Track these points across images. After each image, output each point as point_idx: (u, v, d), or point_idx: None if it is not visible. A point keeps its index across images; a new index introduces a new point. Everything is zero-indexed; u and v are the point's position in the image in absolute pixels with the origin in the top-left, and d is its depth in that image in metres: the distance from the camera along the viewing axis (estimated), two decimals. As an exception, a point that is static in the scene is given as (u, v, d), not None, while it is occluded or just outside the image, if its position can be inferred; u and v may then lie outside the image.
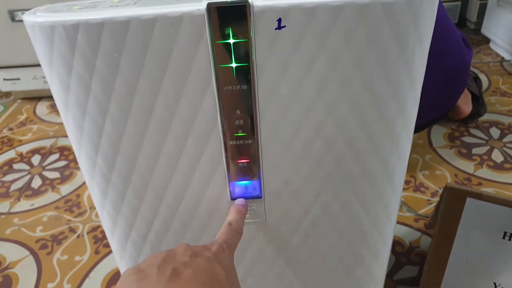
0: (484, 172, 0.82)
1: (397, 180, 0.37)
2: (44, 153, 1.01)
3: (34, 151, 1.02)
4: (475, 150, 0.88)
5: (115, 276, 0.69)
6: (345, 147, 0.33)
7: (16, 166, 0.97)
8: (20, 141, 1.06)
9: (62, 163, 0.97)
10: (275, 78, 0.30)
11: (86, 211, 0.83)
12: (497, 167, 0.83)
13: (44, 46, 0.29)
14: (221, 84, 0.30)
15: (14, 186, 0.91)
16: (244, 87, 0.30)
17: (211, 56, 0.28)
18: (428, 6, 0.28)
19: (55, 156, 1.00)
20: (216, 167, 0.34)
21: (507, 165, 0.83)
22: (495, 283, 0.49)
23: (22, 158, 1.00)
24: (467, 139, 0.92)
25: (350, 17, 0.27)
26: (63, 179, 0.92)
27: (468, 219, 0.49)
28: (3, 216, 0.83)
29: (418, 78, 0.32)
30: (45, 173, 0.94)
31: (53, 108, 1.21)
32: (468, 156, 0.86)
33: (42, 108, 1.21)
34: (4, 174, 0.94)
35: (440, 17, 0.61)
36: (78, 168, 0.95)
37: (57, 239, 0.77)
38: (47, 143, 1.05)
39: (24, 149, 1.03)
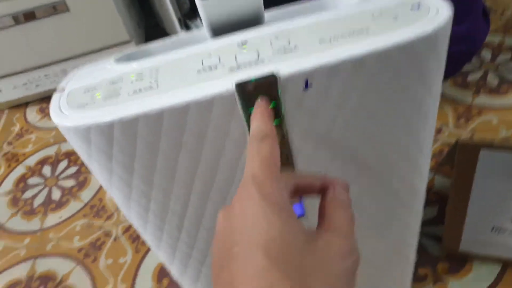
0: (482, 99, 0.85)
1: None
2: (52, 162, 1.02)
3: (41, 162, 1.03)
4: (470, 77, 0.90)
5: (163, 268, 0.74)
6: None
7: (30, 181, 0.99)
8: (23, 154, 1.06)
9: (73, 169, 0.99)
10: (305, 127, 0.31)
11: (113, 213, 0.87)
12: (494, 91, 0.86)
13: (81, 143, 0.30)
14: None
15: (36, 202, 0.93)
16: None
17: (245, 122, 0.29)
18: (444, 34, 0.28)
19: (64, 163, 1.01)
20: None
21: (503, 88, 0.86)
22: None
23: (32, 171, 1.01)
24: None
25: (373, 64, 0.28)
26: (80, 186, 0.94)
27: (483, 168, 0.53)
28: (38, 234, 0.86)
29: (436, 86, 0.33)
30: (61, 183, 0.96)
31: (43, 112, 1.19)
32: (464, 85, 0.89)
33: (32, 115, 1.19)
34: (23, 192, 0.96)
35: None
36: (89, 172, 0.97)
37: (96, 246, 0.82)
38: (51, 151, 1.05)
39: (31, 161, 1.03)
